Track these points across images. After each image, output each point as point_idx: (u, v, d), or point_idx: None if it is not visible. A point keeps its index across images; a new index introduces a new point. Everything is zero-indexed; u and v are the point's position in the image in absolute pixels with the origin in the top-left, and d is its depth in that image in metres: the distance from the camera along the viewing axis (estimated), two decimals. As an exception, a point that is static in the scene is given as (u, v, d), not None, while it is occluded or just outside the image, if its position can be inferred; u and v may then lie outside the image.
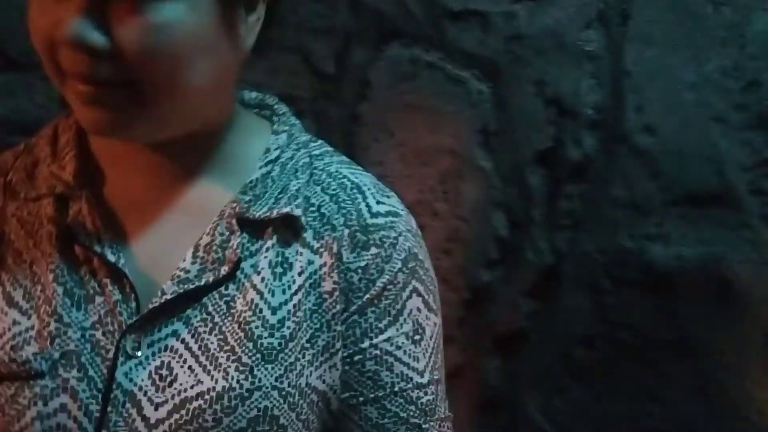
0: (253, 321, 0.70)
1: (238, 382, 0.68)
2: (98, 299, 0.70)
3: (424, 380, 0.74)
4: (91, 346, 0.69)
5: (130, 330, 0.69)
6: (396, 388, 0.73)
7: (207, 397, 0.67)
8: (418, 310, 0.75)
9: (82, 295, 0.71)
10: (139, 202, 0.73)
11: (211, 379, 0.68)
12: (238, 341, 0.69)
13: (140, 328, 0.69)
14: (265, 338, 0.70)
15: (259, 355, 0.69)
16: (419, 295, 0.75)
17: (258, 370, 0.69)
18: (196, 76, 0.65)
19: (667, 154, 1.10)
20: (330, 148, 0.79)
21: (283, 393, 0.69)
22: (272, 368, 0.69)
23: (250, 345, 0.69)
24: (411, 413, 0.74)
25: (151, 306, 0.69)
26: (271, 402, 0.68)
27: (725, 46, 1.08)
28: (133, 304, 0.70)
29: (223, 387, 0.67)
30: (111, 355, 0.68)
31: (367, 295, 0.72)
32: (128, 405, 0.68)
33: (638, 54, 1.11)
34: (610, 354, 1.15)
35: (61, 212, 0.72)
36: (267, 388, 0.69)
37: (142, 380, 0.68)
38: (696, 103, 1.09)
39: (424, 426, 0.74)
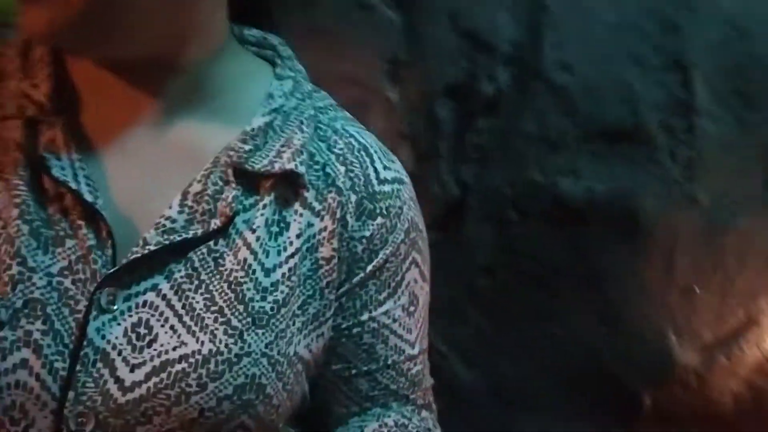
0: (245, 282, 0.65)
1: (226, 346, 0.63)
2: (69, 242, 0.62)
3: (415, 351, 0.74)
4: (58, 296, 0.62)
5: (105, 281, 0.62)
6: (389, 361, 0.72)
7: (192, 360, 0.62)
8: (415, 281, 0.73)
9: (49, 237, 0.63)
10: (119, 137, 0.66)
11: (197, 341, 0.62)
12: (228, 302, 0.64)
13: (117, 280, 0.62)
14: (257, 301, 0.65)
15: (249, 319, 0.64)
16: (417, 266, 0.73)
17: (248, 335, 0.64)
18: None
19: (582, 92, 1.10)
20: (333, 101, 0.74)
21: (272, 361, 0.65)
22: (263, 334, 0.65)
23: (241, 308, 0.64)
24: (401, 385, 0.73)
25: (131, 256, 0.62)
26: (259, 369, 0.64)
27: (646, -11, 1.08)
28: (109, 252, 0.62)
29: (210, 350, 0.62)
30: (81, 307, 0.61)
31: (370, 267, 0.69)
32: (99, 364, 0.61)
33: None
34: (513, 283, 1.19)
35: (31, 138, 0.64)
36: (256, 354, 0.64)
37: (117, 338, 0.61)
38: (614, 43, 1.09)
39: (411, 396, 0.74)
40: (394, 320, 0.72)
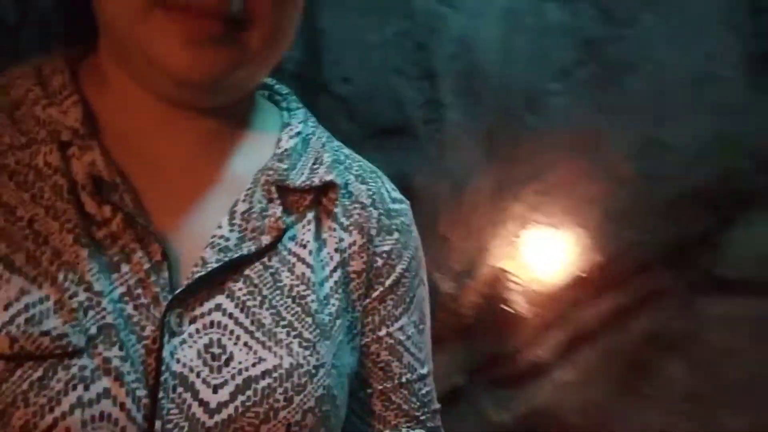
0: (308, 295, 0.62)
1: (304, 358, 0.60)
2: (124, 267, 0.58)
3: (425, 371, 0.71)
4: (123, 322, 0.56)
5: (173, 303, 0.57)
6: (403, 380, 0.70)
7: (275, 375, 0.58)
8: (423, 298, 0.72)
9: (104, 262, 0.58)
10: (156, 160, 0.62)
11: (275, 356, 0.59)
12: (296, 316, 0.61)
13: (182, 302, 0.58)
14: (320, 314, 0.63)
15: (318, 331, 0.62)
16: (424, 284, 0.73)
17: (320, 346, 0.61)
18: (294, 27, 0.62)
19: (360, 99, 1.27)
20: (332, 136, 0.74)
21: (340, 371, 0.63)
22: (330, 345, 0.63)
23: (309, 320, 0.62)
24: (412, 405, 0.70)
25: (194, 276, 0.58)
26: (332, 380, 0.62)
27: (399, 17, 1.27)
28: (166, 274, 0.58)
29: (291, 364, 0.59)
30: (147, 332, 0.56)
31: (388, 281, 0.68)
32: (180, 389, 0.56)
33: (333, 19, 1.24)
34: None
35: (69, 163, 0.59)
36: (328, 365, 0.62)
37: (192, 360, 0.57)
38: (382, 59, 1.27)
39: (421, 418, 0.71)
40: (408, 337, 0.70)
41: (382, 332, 0.69)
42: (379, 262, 0.68)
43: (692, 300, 1.44)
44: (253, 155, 0.66)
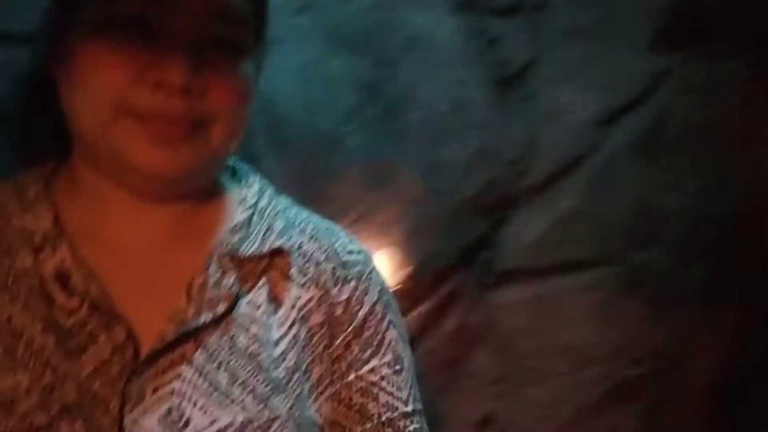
0: (262, 352, 0.69)
1: (258, 413, 0.66)
2: (91, 348, 0.66)
3: (409, 409, 0.75)
4: (90, 398, 0.64)
5: (132, 377, 0.65)
6: (383, 418, 0.73)
7: (230, 431, 0.65)
8: (396, 341, 0.77)
9: (73, 346, 0.66)
10: (124, 247, 0.71)
11: (229, 414, 0.65)
12: (250, 373, 0.68)
13: (142, 374, 0.66)
14: (273, 370, 0.69)
15: (271, 385, 0.68)
16: (395, 327, 0.78)
17: (273, 400, 0.67)
18: (245, 120, 0.71)
19: None
20: (292, 201, 0.81)
21: (297, 423, 0.68)
22: (285, 398, 0.68)
23: (262, 376, 0.68)
24: None
25: (152, 350, 0.66)
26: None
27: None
28: (131, 351, 0.67)
29: (244, 420, 0.65)
30: (113, 405, 0.64)
31: (351, 328, 0.74)
32: None
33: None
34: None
35: (41, 263, 0.68)
36: (283, 417, 0.67)
37: (152, 428, 0.65)
38: None
39: None
40: (382, 377, 0.74)
41: (351, 377, 0.75)
42: (339, 311, 0.75)
43: (483, 294, 1.67)
44: (213, 231, 0.74)
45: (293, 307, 0.73)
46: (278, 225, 0.76)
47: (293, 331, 0.73)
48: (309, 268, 0.75)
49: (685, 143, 1.89)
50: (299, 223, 0.79)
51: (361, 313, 0.76)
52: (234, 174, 0.82)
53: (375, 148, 1.57)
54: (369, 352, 0.76)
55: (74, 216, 0.72)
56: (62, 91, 0.70)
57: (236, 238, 0.73)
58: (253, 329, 0.70)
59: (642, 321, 1.83)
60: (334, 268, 0.76)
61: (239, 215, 0.75)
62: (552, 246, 1.77)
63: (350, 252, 0.79)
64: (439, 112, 1.74)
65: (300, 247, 0.77)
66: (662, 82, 1.85)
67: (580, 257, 1.78)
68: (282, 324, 0.72)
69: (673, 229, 1.87)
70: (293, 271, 0.74)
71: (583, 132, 1.81)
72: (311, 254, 0.76)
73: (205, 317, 0.69)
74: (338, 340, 0.75)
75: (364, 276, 0.77)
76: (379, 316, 0.77)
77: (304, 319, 0.73)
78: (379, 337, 0.76)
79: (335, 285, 0.75)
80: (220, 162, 0.74)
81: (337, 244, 0.79)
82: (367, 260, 0.80)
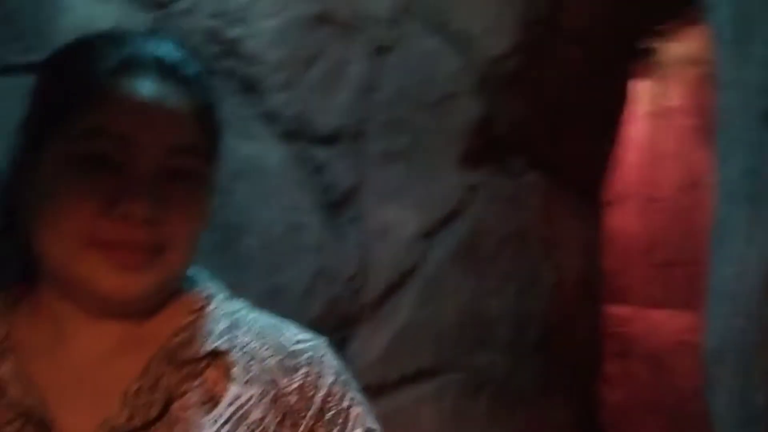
0: None
1: None
2: None
3: None
4: None
5: None
6: None
7: None
8: (362, 415, 0.78)
9: None
10: (71, 362, 0.75)
11: None
12: None
13: None
14: None
15: None
16: (360, 404, 0.78)
17: None
18: (197, 243, 0.76)
19: None
20: (246, 304, 0.83)
21: None
22: None
23: None
24: None
25: None
26: None
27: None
28: None
29: None
30: None
31: (310, 413, 0.75)
32: None
33: None
34: None
35: None
36: None
37: None
38: None
39: None
40: None
41: None
42: (293, 399, 0.76)
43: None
44: (158, 338, 0.77)
45: (230, 405, 0.74)
46: (220, 326, 0.78)
47: (226, 428, 0.73)
48: (253, 365, 0.76)
49: (500, 251, 2.05)
50: (246, 324, 0.80)
51: (318, 397, 0.76)
52: (189, 280, 0.83)
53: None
54: (336, 430, 0.77)
55: (29, 331, 0.77)
56: (28, 222, 0.76)
57: (177, 340, 0.76)
58: (183, 428, 0.72)
59: (486, 424, 1.89)
60: (281, 360, 0.77)
61: (182, 318, 0.78)
62: (396, 359, 1.81)
63: (298, 341, 0.80)
64: (275, 237, 1.76)
65: (245, 346, 0.78)
66: (474, 196, 2.01)
67: (425, 367, 1.84)
68: (215, 422, 0.73)
69: (502, 333, 1.98)
70: (235, 370, 0.76)
71: (410, 246, 1.91)
72: (256, 352, 0.77)
73: (138, 421, 0.72)
74: (302, 428, 0.75)
75: (315, 361, 0.78)
76: (339, 395, 0.78)
77: (242, 417, 0.74)
78: (343, 415, 0.77)
79: (284, 376, 0.76)
80: (177, 282, 0.79)
81: (283, 338, 0.80)
82: (318, 346, 0.81)
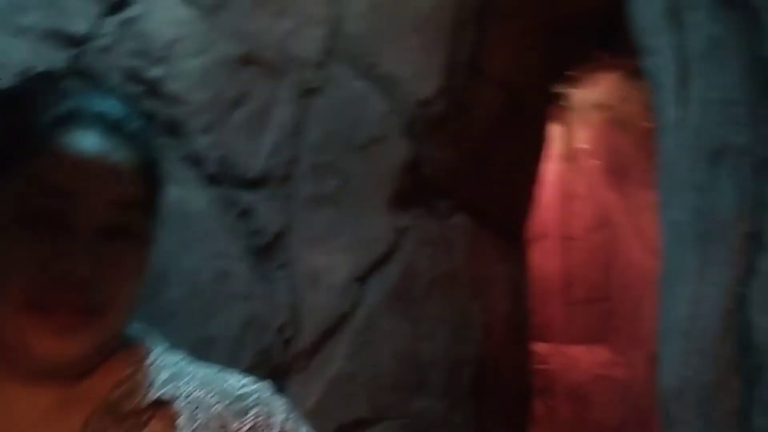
0: None
1: None
2: None
3: None
4: None
5: None
6: None
7: None
8: None
9: None
10: (11, 422, 0.74)
11: None
12: None
13: None
14: None
15: None
16: None
17: None
18: (135, 300, 0.77)
19: None
20: (186, 355, 0.82)
21: None
22: None
23: None
24: None
25: None
26: None
27: None
28: None
29: None
30: None
31: None
32: None
33: None
34: None
35: None
36: None
37: None
38: None
39: None
40: None
41: None
42: None
43: None
44: (98, 393, 0.76)
45: None
46: (162, 377, 0.78)
47: None
48: (199, 413, 0.77)
49: (430, 293, 2.02)
50: (188, 374, 0.80)
51: None
52: (126, 333, 0.82)
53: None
54: None
55: None
56: None
57: (117, 394, 0.76)
58: None
59: (423, 472, 1.85)
60: (228, 405, 0.78)
61: (122, 370, 0.78)
62: (332, 409, 1.75)
63: (243, 386, 0.81)
64: (202, 285, 1.68)
65: (189, 395, 0.78)
66: (403, 238, 1.99)
67: (362, 416, 1.78)
68: None
69: (437, 377, 1.94)
70: (181, 419, 0.76)
71: (341, 292, 1.86)
72: (201, 400, 0.78)
73: None
74: None
75: (263, 401, 0.79)
76: (294, 430, 0.80)
77: None
78: None
79: (234, 419, 0.77)
80: (115, 338, 0.78)
81: (227, 384, 0.80)
82: (263, 388, 0.82)
